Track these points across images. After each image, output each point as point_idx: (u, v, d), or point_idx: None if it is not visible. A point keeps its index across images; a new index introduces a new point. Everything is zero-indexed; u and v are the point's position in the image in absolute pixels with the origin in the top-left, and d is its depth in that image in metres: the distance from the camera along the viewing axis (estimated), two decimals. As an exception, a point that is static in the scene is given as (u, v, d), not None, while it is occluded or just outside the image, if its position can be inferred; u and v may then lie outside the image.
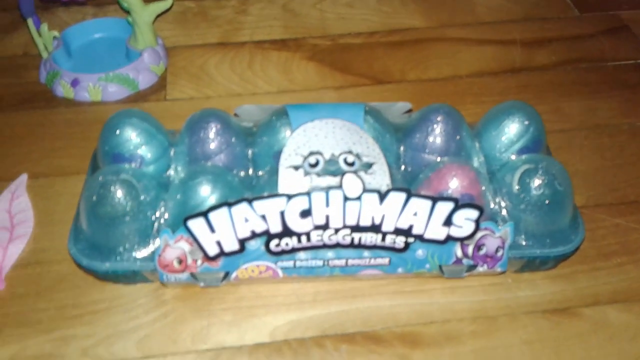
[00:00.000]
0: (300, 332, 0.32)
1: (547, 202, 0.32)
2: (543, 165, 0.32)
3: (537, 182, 0.32)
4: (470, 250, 0.31)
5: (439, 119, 0.34)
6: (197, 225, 0.29)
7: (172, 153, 0.35)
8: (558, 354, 0.31)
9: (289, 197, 0.29)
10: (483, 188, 0.32)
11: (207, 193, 0.31)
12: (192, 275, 0.31)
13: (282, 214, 0.29)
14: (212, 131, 0.34)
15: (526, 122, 0.35)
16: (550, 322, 0.32)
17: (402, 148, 0.35)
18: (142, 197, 0.31)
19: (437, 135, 0.34)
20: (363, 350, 0.31)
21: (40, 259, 0.35)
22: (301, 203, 0.29)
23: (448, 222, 0.30)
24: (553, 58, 0.50)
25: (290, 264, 0.31)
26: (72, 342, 0.31)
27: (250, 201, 0.29)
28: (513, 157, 0.35)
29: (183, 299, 0.33)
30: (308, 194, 0.29)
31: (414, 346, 0.31)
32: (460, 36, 0.52)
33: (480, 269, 0.32)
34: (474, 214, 0.30)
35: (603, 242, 0.36)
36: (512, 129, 0.35)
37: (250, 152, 0.34)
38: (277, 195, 0.29)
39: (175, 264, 0.30)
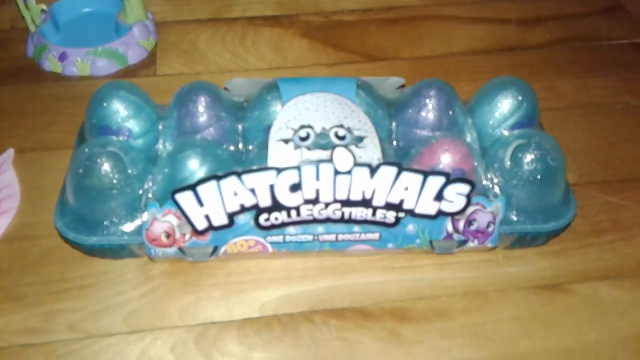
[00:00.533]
0: (289, 307, 0.31)
1: (539, 177, 0.31)
2: (536, 140, 0.32)
3: (529, 157, 0.32)
4: (461, 225, 0.31)
5: (431, 93, 0.34)
6: (185, 198, 0.29)
7: (160, 127, 0.34)
8: (548, 329, 0.31)
9: (279, 170, 0.29)
10: (475, 163, 0.32)
11: (195, 167, 0.30)
12: (180, 249, 0.30)
13: (272, 187, 0.29)
14: (202, 104, 0.33)
15: (519, 98, 0.34)
16: (541, 297, 0.32)
17: (394, 123, 0.35)
18: (129, 170, 0.30)
19: (429, 110, 0.34)
20: (352, 325, 0.31)
21: (27, 233, 0.34)
22: (291, 177, 0.29)
23: (439, 196, 0.30)
24: (548, 37, 0.49)
25: (279, 238, 0.31)
26: (59, 317, 0.31)
27: (239, 174, 0.29)
28: (506, 132, 0.34)
29: (171, 274, 0.33)
30: (298, 167, 0.29)
31: (404, 321, 0.31)
32: (454, 14, 0.51)
33: (471, 244, 0.31)
34: (465, 188, 0.30)
35: (595, 219, 0.36)
36: (505, 105, 0.34)
37: (240, 126, 0.34)
38: (266, 168, 0.29)
39: (163, 238, 0.30)
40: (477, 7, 0.52)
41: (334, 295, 0.32)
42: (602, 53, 0.48)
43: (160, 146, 0.33)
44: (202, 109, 0.33)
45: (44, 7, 0.46)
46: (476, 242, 0.31)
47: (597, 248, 0.34)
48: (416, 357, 0.30)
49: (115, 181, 0.30)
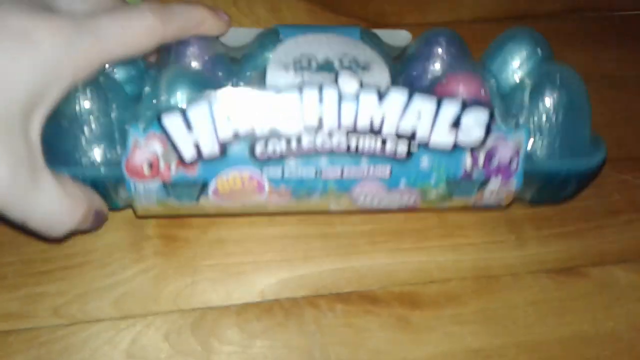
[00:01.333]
0: (292, 291, 0.29)
1: (561, 112, 0.29)
2: (553, 74, 0.30)
3: (548, 93, 0.29)
4: (481, 159, 0.28)
5: (441, 41, 0.31)
6: (172, 122, 0.26)
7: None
8: (563, 315, 0.30)
9: (278, 90, 0.26)
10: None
11: (182, 98, 0.27)
12: (165, 186, 0.27)
13: (270, 111, 0.26)
14: (192, 52, 0.30)
15: (533, 44, 0.32)
16: (555, 281, 0.31)
17: (401, 79, 0.32)
18: (109, 95, 0.27)
19: (439, 59, 0.31)
20: (359, 311, 0.29)
21: (5, 208, 0.32)
22: (291, 99, 0.26)
23: (456, 124, 0.27)
24: (557, 5, 0.47)
25: (277, 172, 0.27)
26: (42, 301, 0.28)
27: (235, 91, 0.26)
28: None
29: (165, 254, 0.30)
30: (299, 89, 0.26)
31: (413, 307, 0.29)
32: (461, -22, 0.48)
33: (492, 184, 0.28)
34: (483, 116, 0.27)
35: (610, 198, 0.34)
36: (518, 52, 0.32)
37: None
38: (264, 89, 0.26)
39: (146, 169, 0.27)
40: (484, -28, 0.49)
41: (339, 279, 0.30)
42: (613, 24, 0.46)
43: (147, 89, 0.30)
44: (192, 57, 0.30)
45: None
46: (499, 179, 0.28)
47: (613, 229, 0.33)
48: (427, 344, 0.28)
49: (91, 105, 0.26)
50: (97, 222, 0.27)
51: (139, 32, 0.26)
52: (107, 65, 0.27)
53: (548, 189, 0.30)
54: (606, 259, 0.32)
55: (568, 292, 0.30)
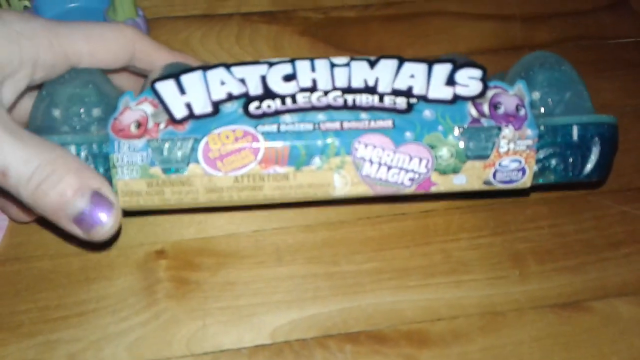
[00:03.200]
0: (302, 332, 0.30)
1: (557, 81, 0.31)
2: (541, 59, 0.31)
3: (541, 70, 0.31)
4: (485, 108, 0.27)
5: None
6: (165, 86, 0.26)
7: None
8: (568, 350, 0.30)
9: (271, 64, 0.28)
10: None
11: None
12: (151, 145, 0.25)
13: (264, 77, 0.27)
14: None
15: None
16: (560, 316, 0.31)
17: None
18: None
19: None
20: (368, 351, 0.30)
21: (18, 254, 0.32)
22: (284, 68, 0.27)
23: (451, 81, 0.28)
24: (553, 35, 0.48)
25: (273, 128, 0.26)
26: (58, 348, 0.29)
27: (228, 66, 0.27)
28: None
29: (176, 298, 0.31)
30: (292, 61, 0.28)
31: (421, 345, 0.30)
32: (458, 10, 0.49)
33: (507, 131, 0.27)
34: (477, 72, 0.28)
35: (610, 230, 0.35)
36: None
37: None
38: (257, 62, 0.28)
39: (133, 128, 0.26)
40: (481, 3, 0.50)
41: (347, 318, 0.31)
42: (608, 52, 0.47)
43: None
44: None
45: (27, 3, 0.43)
46: (511, 128, 0.27)
47: (614, 262, 0.34)
48: (435, 383, 0.29)
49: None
50: (99, 206, 0.24)
51: (108, 39, 0.27)
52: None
53: (569, 155, 0.29)
54: (609, 293, 0.32)
55: (573, 327, 0.31)
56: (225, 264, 0.32)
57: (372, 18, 0.48)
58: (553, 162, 0.29)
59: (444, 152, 0.27)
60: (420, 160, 0.27)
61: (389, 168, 0.27)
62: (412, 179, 0.27)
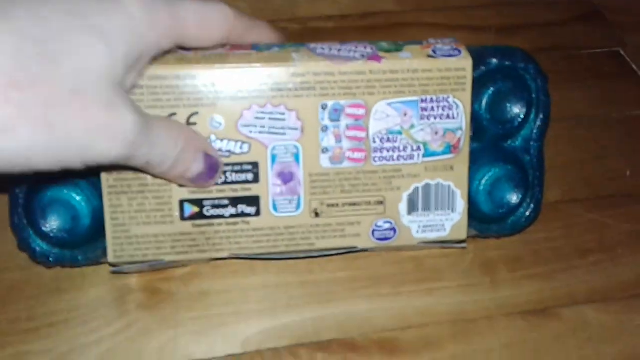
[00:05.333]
0: (274, 342, 0.30)
1: None
2: None
3: None
4: None
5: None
6: None
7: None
8: (537, 357, 0.31)
9: None
10: None
11: None
12: None
13: None
14: None
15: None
16: (529, 323, 0.32)
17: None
18: None
19: None
20: (340, 359, 0.30)
21: (-10, 265, 0.32)
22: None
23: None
24: (527, 45, 0.48)
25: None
26: (28, 359, 0.29)
27: None
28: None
29: (148, 308, 0.31)
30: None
31: (392, 353, 0.30)
32: (433, 21, 0.50)
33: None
34: None
35: (579, 239, 0.36)
36: None
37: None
38: None
39: None
40: (457, 14, 0.51)
41: (319, 327, 0.31)
42: (581, 62, 0.48)
43: None
44: None
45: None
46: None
47: (583, 270, 0.34)
48: (406, 391, 0.29)
49: None
50: (211, 169, 0.28)
51: (212, 20, 0.27)
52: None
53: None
54: (577, 300, 0.33)
55: (541, 333, 0.31)
56: (199, 273, 0.32)
57: (349, 29, 0.49)
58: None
59: (382, 43, 0.31)
60: (365, 47, 0.30)
61: (339, 50, 0.30)
62: (362, 55, 0.30)
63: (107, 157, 0.23)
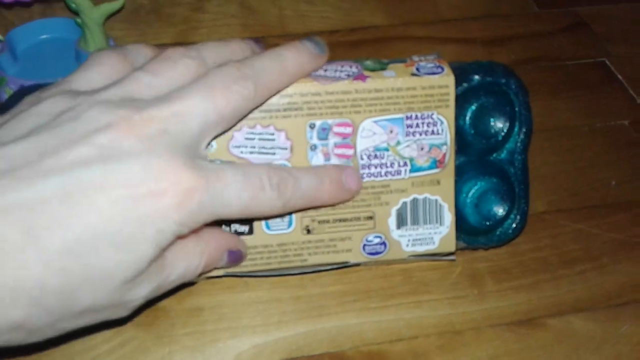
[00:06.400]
0: (266, 356, 0.31)
1: None
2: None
3: None
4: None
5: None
6: None
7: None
8: (524, 367, 0.31)
9: None
10: None
11: None
12: None
13: None
14: None
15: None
16: (516, 334, 0.32)
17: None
18: None
19: None
20: (331, 372, 0.31)
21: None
22: None
23: None
24: (513, 57, 0.50)
25: None
26: (26, 378, 0.30)
27: None
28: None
29: (143, 325, 0.32)
30: None
31: (382, 366, 0.31)
32: (422, 35, 0.51)
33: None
34: None
35: (565, 248, 0.37)
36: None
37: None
38: None
39: None
40: (444, 27, 0.52)
41: (311, 341, 0.32)
42: (567, 73, 0.49)
43: None
44: None
45: (0, 37, 0.44)
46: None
47: (569, 280, 0.35)
48: (395, 403, 0.30)
49: None
50: (235, 261, 0.30)
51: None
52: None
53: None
54: (563, 309, 0.34)
55: (528, 343, 0.32)
56: (193, 290, 0.33)
57: (338, 44, 0.50)
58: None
59: (367, 62, 0.32)
60: (350, 66, 0.31)
61: (325, 70, 0.31)
62: (348, 74, 0.31)
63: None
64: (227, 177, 0.25)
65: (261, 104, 0.29)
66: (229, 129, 0.28)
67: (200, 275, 0.29)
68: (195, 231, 0.26)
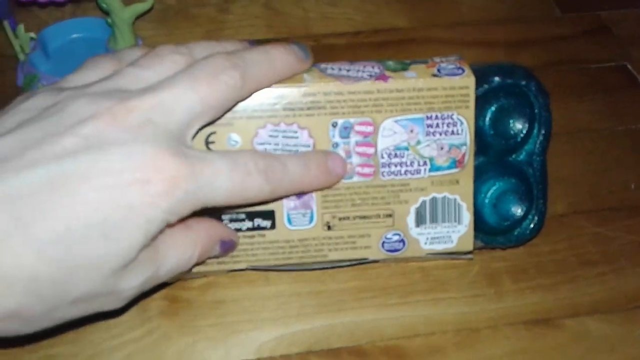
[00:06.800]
0: (286, 348, 0.32)
1: None
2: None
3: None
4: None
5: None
6: None
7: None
8: (539, 365, 0.32)
9: None
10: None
11: None
12: None
13: None
14: None
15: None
16: (532, 333, 0.33)
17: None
18: None
19: None
20: (348, 365, 0.31)
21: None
22: None
23: None
24: (535, 60, 0.50)
25: None
26: (56, 362, 0.31)
27: None
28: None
29: (168, 315, 0.33)
30: None
31: (399, 360, 0.32)
32: (444, 37, 0.51)
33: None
34: None
35: (583, 250, 0.37)
36: None
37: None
38: None
39: None
40: (466, 30, 0.52)
41: (330, 335, 0.32)
42: (588, 76, 0.49)
43: None
44: None
45: (32, 35, 0.46)
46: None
47: (586, 282, 0.35)
48: (411, 397, 0.30)
49: None
50: (227, 250, 0.30)
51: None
52: None
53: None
54: (580, 311, 0.34)
55: (544, 343, 0.32)
56: (215, 283, 0.34)
57: (361, 45, 0.51)
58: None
59: (389, 62, 0.32)
60: (373, 66, 0.32)
61: (348, 70, 0.31)
62: (370, 75, 0.31)
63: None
64: (213, 164, 0.25)
65: (247, 97, 0.29)
66: (218, 118, 0.29)
67: (194, 266, 0.29)
68: (185, 221, 0.26)
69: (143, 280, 0.25)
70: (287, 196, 0.31)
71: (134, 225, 0.23)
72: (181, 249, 0.27)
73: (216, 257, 0.31)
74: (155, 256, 0.25)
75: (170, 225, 0.25)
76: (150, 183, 0.23)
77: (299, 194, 0.31)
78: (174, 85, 0.25)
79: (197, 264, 0.29)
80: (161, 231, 0.24)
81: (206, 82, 0.25)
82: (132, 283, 0.25)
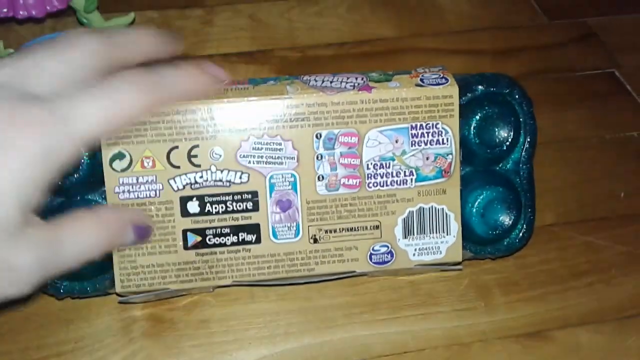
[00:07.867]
0: (273, 368, 0.31)
1: None
2: None
3: None
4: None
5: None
6: None
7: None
8: (531, 380, 0.31)
9: None
10: None
11: None
12: None
13: None
14: None
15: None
16: (523, 346, 0.32)
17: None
18: None
19: None
20: (337, 384, 0.31)
21: (1, 296, 0.33)
22: None
23: None
24: (522, 68, 0.50)
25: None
26: (37, 388, 0.30)
27: None
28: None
29: (152, 336, 0.32)
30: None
31: (389, 378, 0.31)
32: (431, 46, 0.51)
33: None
34: None
35: (573, 260, 0.36)
36: None
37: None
38: None
39: None
40: (453, 39, 0.52)
41: (317, 354, 0.32)
42: (576, 84, 0.48)
43: None
44: None
45: (12, 51, 0.45)
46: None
47: (577, 292, 0.35)
48: (402, 415, 0.30)
49: None
50: (143, 235, 0.27)
51: (120, 109, 0.26)
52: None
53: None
54: (570, 322, 0.33)
55: (536, 356, 0.32)
56: (200, 302, 0.33)
57: (347, 56, 0.50)
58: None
59: (373, 74, 0.32)
60: (356, 77, 0.32)
61: (332, 82, 0.32)
62: (353, 85, 0.31)
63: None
64: (78, 107, 0.23)
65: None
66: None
67: (105, 253, 0.26)
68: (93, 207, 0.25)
69: (37, 257, 0.23)
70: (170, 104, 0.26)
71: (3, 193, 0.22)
72: (86, 233, 0.25)
73: (134, 244, 0.27)
74: (50, 235, 0.24)
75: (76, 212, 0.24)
76: (14, 147, 0.22)
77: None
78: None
79: (111, 251, 0.28)
80: (37, 200, 0.23)
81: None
82: (27, 258, 0.23)
